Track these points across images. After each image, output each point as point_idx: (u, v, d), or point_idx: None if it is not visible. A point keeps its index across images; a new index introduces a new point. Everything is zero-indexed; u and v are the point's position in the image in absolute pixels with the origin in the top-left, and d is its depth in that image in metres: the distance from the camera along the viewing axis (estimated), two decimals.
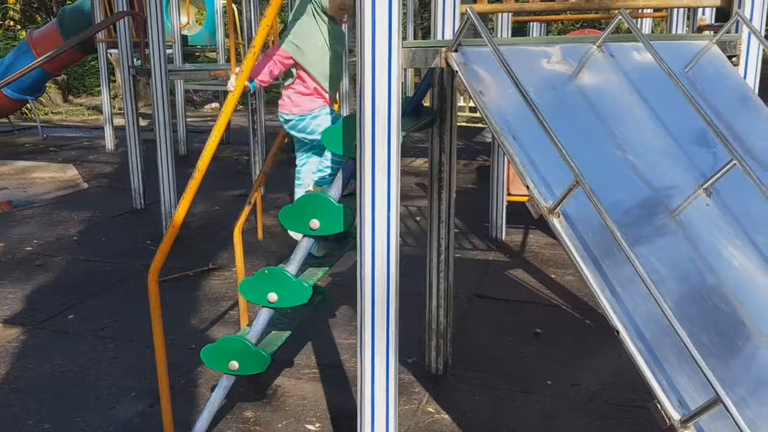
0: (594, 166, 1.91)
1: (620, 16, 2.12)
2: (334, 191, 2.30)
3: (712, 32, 2.99)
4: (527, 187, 1.80)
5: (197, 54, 12.73)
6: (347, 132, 2.23)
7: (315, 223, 2.28)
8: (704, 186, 1.96)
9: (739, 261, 1.87)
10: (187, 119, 10.04)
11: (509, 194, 5.07)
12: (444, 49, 2.05)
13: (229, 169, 7.61)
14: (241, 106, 12.12)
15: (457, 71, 2.01)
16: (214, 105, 13.48)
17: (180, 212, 2.45)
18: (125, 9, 5.71)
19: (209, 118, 12.59)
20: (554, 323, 3.69)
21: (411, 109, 2.81)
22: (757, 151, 2.23)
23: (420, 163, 7.76)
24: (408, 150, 8.22)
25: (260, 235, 5.11)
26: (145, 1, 5.03)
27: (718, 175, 1.90)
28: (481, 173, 7.25)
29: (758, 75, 2.55)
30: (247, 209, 3.13)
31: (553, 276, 4.35)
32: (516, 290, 4.17)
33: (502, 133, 1.89)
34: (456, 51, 2.03)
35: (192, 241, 5.10)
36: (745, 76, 2.53)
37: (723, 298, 1.78)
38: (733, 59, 2.59)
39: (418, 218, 5.66)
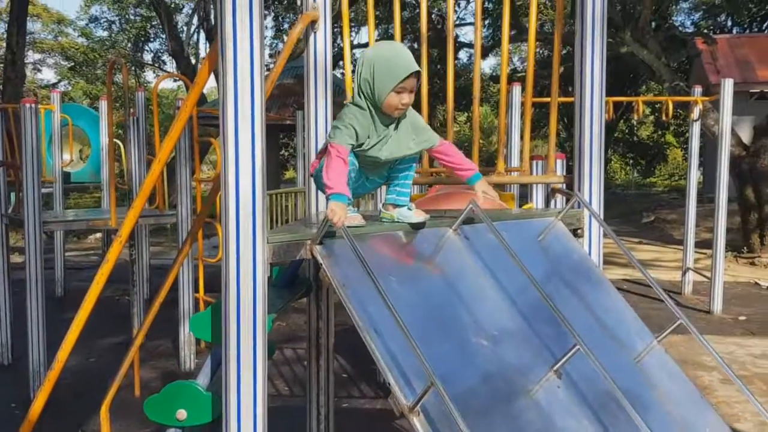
0: (451, 355, 2.01)
1: (471, 205, 2.31)
2: (202, 379, 2.27)
3: (564, 197, 3.29)
4: (388, 385, 1.86)
5: (89, 186, 12.38)
6: (216, 318, 2.23)
7: (182, 414, 2.22)
8: (554, 368, 2.09)
9: None
10: (67, 254, 9.62)
11: None
12: (309, 242, 2.14)
13: (109, 312, 7.27)
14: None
15: (321, 264, 2.09)
16: (98, 235, 13.05)
17: (37, 405, 2.31)
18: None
19: (92, 251, 12.14)
20: None
21: (286, 280, 2.86)
22: (606, 325, 2.42)
23: None
24: None
25: (137, 392, 4.86)
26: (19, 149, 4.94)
27: (564, 359, 2.04)
28: None
29: (601, 247, 2.81)
30: (117, 384, 3.00)
31: None
32: None
33: (363, 327, 1.96)
34: (320, 244, 2.12)
35: (61, 403, 4.75)
36: (589, 249, 2.78)
37: None
38: (579, 231, 2.86)
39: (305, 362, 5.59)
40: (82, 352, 5.74)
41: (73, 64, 30.25)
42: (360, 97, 2.30)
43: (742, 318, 7.28)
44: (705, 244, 9.36)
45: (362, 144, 2.29)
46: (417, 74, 2.26)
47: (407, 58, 2.27)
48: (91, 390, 4.98)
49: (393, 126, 2.34)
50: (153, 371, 5.52)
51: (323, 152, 2.38)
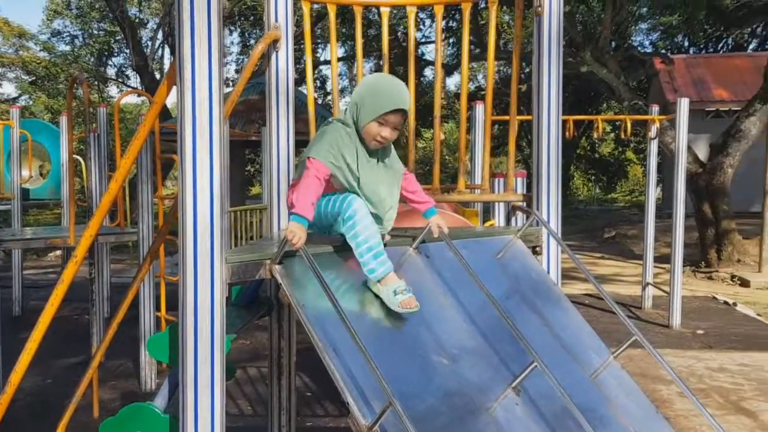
0: (411, 374, 2.02)
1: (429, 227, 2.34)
2: (160, 401, 2.24)
3: (524, 215, 3.33)
4: (347, 404, 1.86)
5: (49, 203, 12.12)
6: (174, 339, 2.21)
7: None
8: (512, 385, 2.11)
9: None
10: (25, 272, 9.38)
11: None
12: (268, 262, 2.13)
13: (68, 331, 7.11)
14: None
15: (281, 284, 2.09)
16: (58, 253, 12.78)
17: None
18: None
19: (51, 269, 11.88)
20: None
21: (246, 299, 2.84)
22: (564, 342, 2.46)
23: None
24: None
25: (96, 413, 4.75)
26: None
27: (521, 376, 2.07)
28: None
29: (559, 264, 2.85)
30: (73, 406, 2.93)
31: None
32: None
33: (322, 347, 1.96)
34: (280, 263, 2.12)
35: (17, 425, 4.62)
36: (548, 266, 2.82)
37: None
38: (538, 248, 2.90)
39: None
40: (39, 373, 5.60)
41: (34, 78, 29.68)
42: (347, 117, 2.30)
43: (700, 332, 7.44)
44: (664, 259, 9.55)
45: (355, 175, 2.25)
46: (403, 113, 2.26)
47: (399, 95, 2.25)
48: (48, 412, 4.86)
49: (377, 158, 2.32)
50: (113, 392, 5.40)
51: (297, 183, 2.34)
